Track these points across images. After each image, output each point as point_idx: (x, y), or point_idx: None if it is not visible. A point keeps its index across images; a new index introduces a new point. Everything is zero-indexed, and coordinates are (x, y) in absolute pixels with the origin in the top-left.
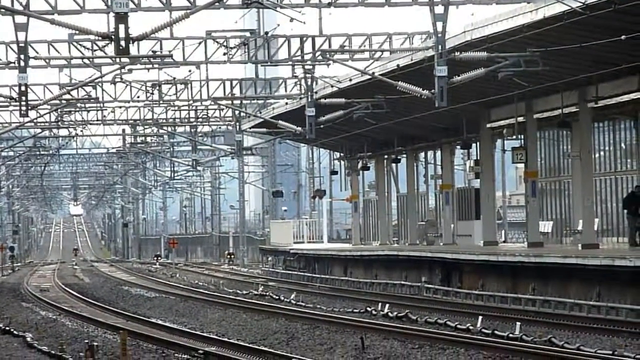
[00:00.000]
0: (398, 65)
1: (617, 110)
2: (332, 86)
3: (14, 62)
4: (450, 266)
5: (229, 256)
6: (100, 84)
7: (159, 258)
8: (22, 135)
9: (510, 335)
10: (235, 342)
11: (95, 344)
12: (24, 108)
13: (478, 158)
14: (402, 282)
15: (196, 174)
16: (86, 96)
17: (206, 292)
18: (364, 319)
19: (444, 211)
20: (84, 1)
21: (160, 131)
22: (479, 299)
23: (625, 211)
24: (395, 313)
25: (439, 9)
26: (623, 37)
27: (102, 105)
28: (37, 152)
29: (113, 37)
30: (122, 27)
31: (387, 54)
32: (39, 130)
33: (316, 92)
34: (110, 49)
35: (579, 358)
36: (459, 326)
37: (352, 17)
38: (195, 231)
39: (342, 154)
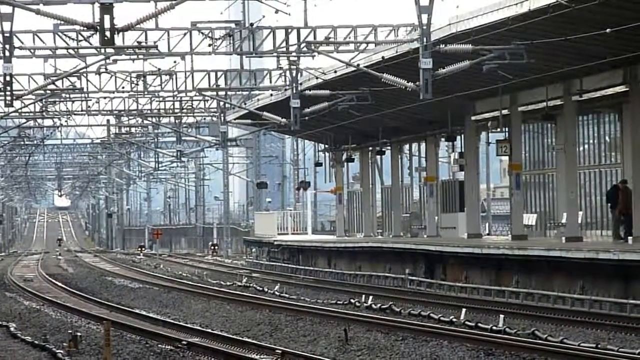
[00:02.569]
0: (383, 57)
1: (602, 104)
2: (317, 78)
3: None
4: (434, 258)
5: (212, 247)
6: (85, 75)
7: (143, 249)
8: (6, 125)
9: (494, 327)
10: (219, 333)
11: (79, 334)
12: (8, 98)
13: (462, 150)
14: (386, 274)
15: (180, 165)
16: (71, 86)
17: (190, 283)
18: (348, 311)
19: (428, 203)
20: None
21: (145, 122)
22: (462, 291)
23: (609, 204)
24: (378, 305)
25: (424, 1)
26: (608, 30)
27: (86, 95)
28: (22, 142)
29: (98, 27)
30: (107, 17)
31: (372, 45)
32: (24, 120)
33: (301, 84)
34: (96, 40)
35: (562, 351)
36: (442, 318)
37: (337, 9)
38: (179, 222)
39: (326, 146)
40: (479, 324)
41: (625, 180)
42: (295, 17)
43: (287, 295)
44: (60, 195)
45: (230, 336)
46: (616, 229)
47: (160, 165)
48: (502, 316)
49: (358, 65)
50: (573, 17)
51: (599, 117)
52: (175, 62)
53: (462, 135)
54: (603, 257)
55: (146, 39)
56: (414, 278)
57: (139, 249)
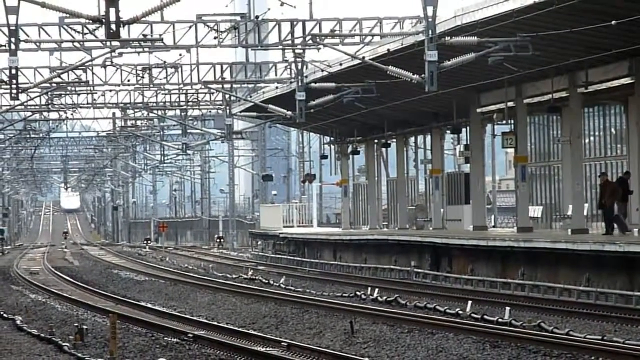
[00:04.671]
0: (388, 50)
1: (607, 96)
2: (322, 70)
3: (5, 45)
4: (439, 251)
5: (218, 240)
6: (90, 67)
7: (149, 241)
8: (12, 118)
9: (500, 320)
10: (225, 325)
11: (85, 327)
12: (14, 91)
13: (468, 143)
14: (392, 267)
15: (186, 158)
16: (76, 79)
17: (196, 275)
18: (354, 303)
19: (434, 196)
20: None
21: (151, 115)
22: (468, 283)
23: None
24: (384, 297)
25: None
26: (613, 22)
27: (92, 88)
28: (28, 135)
29: (104, 20)
30: (112, 10)
31: (378, 38)
32: (29, 113)
33: (306, 77)
34: (101, 33)
35: (568, 343)
36: (448, 311)
37: (342, 2)
38: (185, 215)
39: (332, 138)
40: (485, 316)
41: (605, 173)
42: (300, 10)
43: (292, 288)
44: (67, 189)
45: (236, 329)
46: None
47: (165, 158)
48: (507, 308)
49: (363, 57)
50: (578, 9)
51: (604, 109)
52: (180, 54)
53: (468, 128)
54: (609, 249)
55: (152, 31)
56: (419, 270)
57: (145, 242)
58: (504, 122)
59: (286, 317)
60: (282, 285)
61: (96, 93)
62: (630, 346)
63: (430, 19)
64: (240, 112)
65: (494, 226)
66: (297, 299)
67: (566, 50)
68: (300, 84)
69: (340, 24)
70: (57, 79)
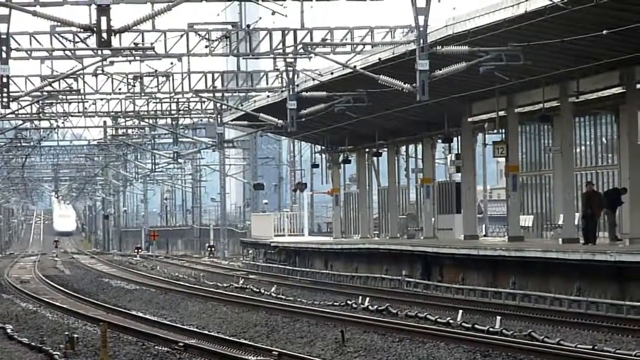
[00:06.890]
0: (380, 59)
1: (598, 105)
2: (313, 79)
3: None
4: (430, 260)
5: (209, 249)
6: (81, 76)
7: (140, 250)
8: (3, 126)
9: (491, 329)
10: (216, 334)
11: (76, 335)
12: (5, 99)
13: (459, 152)
14: (383, 276)
15: (177, 167)
16: (68, 88)
17: (186, 284)
18: (345, 312)
19: (425, 205)
20: None
21: (142, 123)
22: (459, 292)
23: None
24: (375, 306)
25: (421, 3)
26: (604, 32)
27: (83, 97)
28: (18, 144)
29: (95, 29)
30: (104, 19)
31: (369, 47)
32: (20, 122)
33: (297, 85)
34: (92, 41)
35: (559, 352)
36: (439, 320)
37: (333, 11)
38: (176, 224)
39: (323, 147)
40: (476, 326)
41: (592, 182)
42: (291, 19)
43: (283, 297)
44: (57, 197)
45: (227, 338)
46: (612, 230)
47: (156, 166)
48: (498, 318)
49: (355, 66)
50: (569, 19)
51: (595, 118)
52: (172, 63)
53: (459, 137)
54: (599, 259)
55: (143, 40)
56: (410, 279)
57: (136, 251)
58: (495, 131)
59: (277, 326)
60: (273, 294)
61: (87, 102)
62: (621, 356)
63: (421, 28)
64: (232, 120)
65: (485, 235)
66: (288, 308)
67: (557, 60)
68: (291, 92)
69: (331, 33)
70: (48, 88)
